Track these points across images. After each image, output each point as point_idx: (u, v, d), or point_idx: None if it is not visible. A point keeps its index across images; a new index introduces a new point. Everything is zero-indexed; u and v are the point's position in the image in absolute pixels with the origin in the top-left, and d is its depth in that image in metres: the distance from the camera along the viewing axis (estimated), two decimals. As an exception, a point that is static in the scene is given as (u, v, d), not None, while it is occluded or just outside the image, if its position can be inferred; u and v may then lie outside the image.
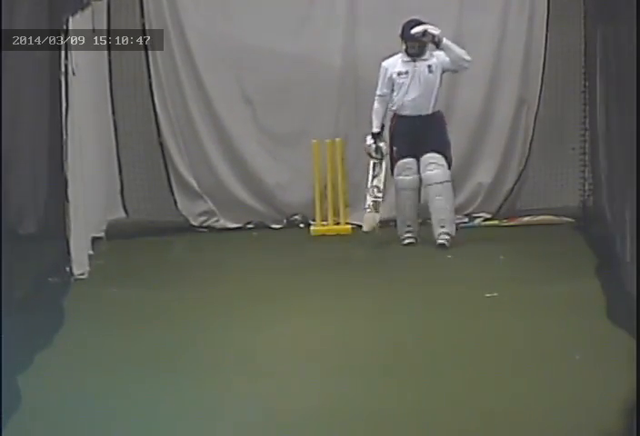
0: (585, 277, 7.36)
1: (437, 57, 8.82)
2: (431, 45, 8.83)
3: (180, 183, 10.14)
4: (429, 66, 8.78)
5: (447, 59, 8.77)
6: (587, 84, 9.59)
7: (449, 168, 8.77)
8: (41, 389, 5.21)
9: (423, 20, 8.84)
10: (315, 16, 10.02)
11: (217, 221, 10.24)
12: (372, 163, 8.94)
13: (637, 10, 5.91)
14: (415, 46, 8.73)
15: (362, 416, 4.77)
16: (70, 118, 7.75)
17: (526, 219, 9.86)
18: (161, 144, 10.08)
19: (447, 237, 8.76)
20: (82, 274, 7.87)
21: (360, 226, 9.79)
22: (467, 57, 8.79)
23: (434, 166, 8.65)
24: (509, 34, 9.97)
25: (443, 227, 8.75)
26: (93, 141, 8.92)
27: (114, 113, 9.87)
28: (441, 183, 8.69)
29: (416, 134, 8.70)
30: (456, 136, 10.02)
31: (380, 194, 8.90)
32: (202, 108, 10.10)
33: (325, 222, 9.86)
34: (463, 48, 9.63)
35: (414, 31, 8.69)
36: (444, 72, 8.88)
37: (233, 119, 10.13)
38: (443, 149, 8.72)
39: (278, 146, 10.16)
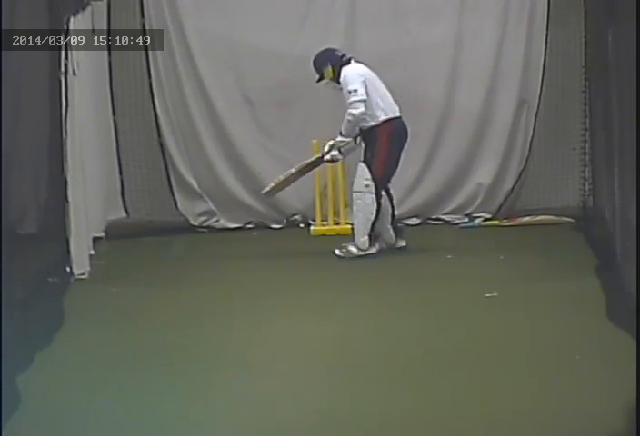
0: (585, 277, 7.36)
1: (342, 79, 8.50)
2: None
3: (180, 183, 10.15)
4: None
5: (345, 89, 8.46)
6: (587, 84, 9.60)
7: (374, 181, 8.40)
8: (41, 389, 5.20)
9: (335, 47, 8.79)
10: (315, 16, 10.03)
11: (217, 221, 10.26)
12: None
13: (638, 10, 5.91)
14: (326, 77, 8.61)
15: (362, 416, 4.77)
16: (70, 118, 7.76)
17: (526, 219, 9.87)
18: (161, 144, 10.10)
19: (345, 250, 8.55)
20: (82, 274, 7.87)
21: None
22: (350, 114, 8.40)
23: (356, 175, 8.56)
24: (509, 35, 9.99)
25: (352, 238, 8.60)
26: (93, 141, 8.93)
27: (114, 113, 9.88)
28: (354, 192, 8.54)
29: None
30: (456, 137, 10.08)
31: (286, 173, 8.81)
32: (202, 108, 10.12)
33: (324, 222, 9.87)
34: (461, 49, 9.77)
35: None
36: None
37: (233, 119, 10.15)
38: (368, 161, 8.49)
39: (278, 146, 10.17)
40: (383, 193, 8.57)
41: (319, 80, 8.66)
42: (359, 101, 8.37)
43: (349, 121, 8.42)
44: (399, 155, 8.55)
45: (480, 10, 9.97)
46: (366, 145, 8.53)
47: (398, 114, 8.54)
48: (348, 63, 8.58)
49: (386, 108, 8.49)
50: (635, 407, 4.34)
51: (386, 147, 8.44)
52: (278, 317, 6.74)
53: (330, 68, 8.56)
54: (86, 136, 8.45)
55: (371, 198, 8.43)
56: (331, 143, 8.63)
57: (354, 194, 8.51)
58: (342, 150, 8.61)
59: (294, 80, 9.86)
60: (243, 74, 10.08)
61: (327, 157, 8.67)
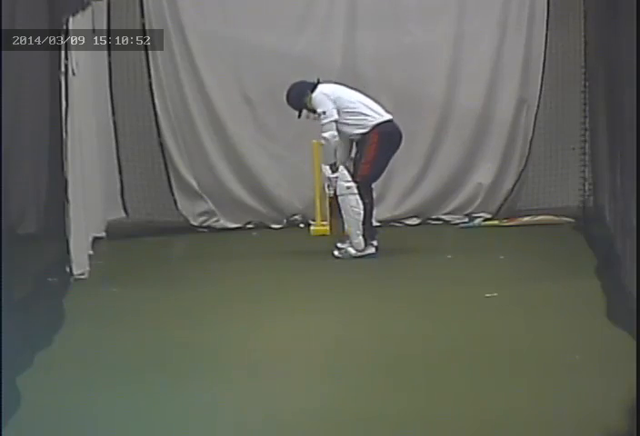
0: (585, 277, 7.36)
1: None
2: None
3: (180, 183, 10.15)
4: None
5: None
6: (587, 84, 9.60)
7: (355, 181, 8.45)
8: (41, 389, 5.21)
9: (296, 82, 8.77)
10: (315, 16, 10.03)
11: (217, 221, 10.25)
12: None
13: (637, 10, 5.92)
14: (305, 110, 8.61)
15: (361, 416, 4.77)
16: (70, 118, 7.75)
17: (526, 219, 9.87)
18: (161, 144, 10.09)
19: (344, 251, 8.58)
20: (82, 274, 7.86)
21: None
22: (323, 138, 8.48)
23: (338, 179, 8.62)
24: (509, 34, 9.98)
25: (347, 239, 8.63)
26: (93, 141, 8.92)
27: (114, 113, 9.87)
28: (338, 196, 8.58)
29: None
30: (456, 137, 10.07)
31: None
32: (202, 108, 10.11)
33: (324, 222, 9.86)
34: (461, 49, 9.80)
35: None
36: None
37: (233, 119, 10.14)
38: (357, 161, 8.53)
39: (278, 146, 10.17)
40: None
41: (300, 115, 8.66)
42: (329, 122, 8.45)
43: (324, 145, 8.53)
44: (388, 158, 8.61)
45: (480, 10, 9.96)
46: (358, 148, 8.60)
47: (388, 117, 8.57)
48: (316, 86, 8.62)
49: (372, 114, 8.53)
50: (635, 407, 4.34)
51: (375, 148, 8.48)
52: (278, 317, 6.74)
53: (308, 97, 8.59)
54: (86, 136, 8.44)
55: (354, 199, 8.49)
56: (324, 170, 8.67)
57: (338, 198, 8.59)
58: (333, 168, 8.61)
59: (294, 80, 9.82)
60: (243, 74, 10.07)
61: (330, 192, 8.67)
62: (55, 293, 7.32)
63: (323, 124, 8.47)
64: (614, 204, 7.79)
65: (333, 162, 8.56)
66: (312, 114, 8.64)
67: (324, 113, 8.46)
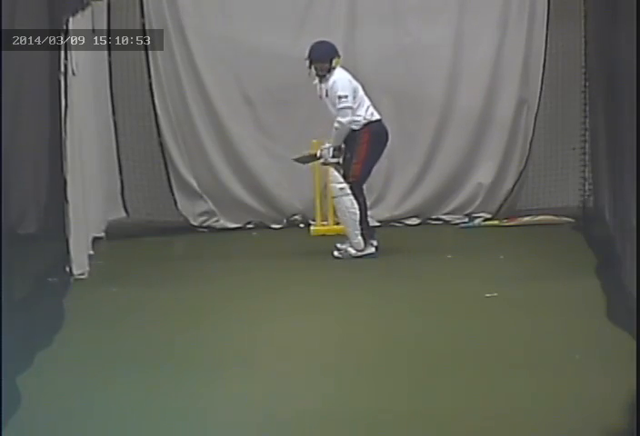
0: (585, 277, 7.36)
1: (331, 83, 8.51)
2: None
3: (180, 183, 10.15)
4: (326, 91, 8.56)
5: (334, 93, 8.49)
6: (587, 84, 9.61)
7: (349, 182, 8.47)
8: (41, 389, 5.21)
9: (329, 40, 8.70)
10: (315, 16, 10.02)
11: (217, 221, 10.25)
12: None
13: (637, 10, 5.92)
14: (319, 68, 8.54)
15: (361, 416, 4.77)
16: (70, 118, 7.76)
17: (526, 219, 9.87)
18: (161, 144, 10.09)
19: (344, 251, 8.57)
20: (82, 274, 7.87)
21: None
22: (338, 122, 8.46)
23: (330, 181, 8.65)
24: (509, 34, 9.97)
25: (346, 239, 8.65)
26: (93, 141, 8.92)
27: (114, 113, 9.87)
28: (332, 198, 8.69)
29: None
30: (456, 137, 10.07)
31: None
32: (202, 108, 10.11)
33: (325, 223, 9.87)
34: (461, 49, 9.76)
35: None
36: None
37: (233, 119, 10.14)
38: (347, 161, 8.53)
39: (278, 146, 10.16)
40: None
41: (308, 59, 8.56)
42: (347, 108, 8.45)
43: (337, 129, 8.51)
44: (377, 158, 8.64)
45: (480, 10, 9.95)
46: (347, 147, 8.58)
47: (378, 117, 8.58)
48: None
49: (367, 112, 8.53)
50: (635, 406, 4.35)
51: (366, 148, 8.51)
52: (278, 317, 6.74)
53: (338, 59, 8.58)
54: (86, 136, 8.45)
55: (349, 200, 8.51)
56: (324, 147, 8.67)
57: (333, 200, 8.65)
58: (335, 154, 8.63)
59: (294, 80, 9.81)
60: (243, 74, 10.06)
61: (322, 161, 8.72)
62: (55, 293, 7.32)
63: (340, 108, 8.44)
64: (614, 204, 7.80)
65: (337, 146, 8.55)
66: (314, 73, 8.56)
67: (345, 97, 8.45)
